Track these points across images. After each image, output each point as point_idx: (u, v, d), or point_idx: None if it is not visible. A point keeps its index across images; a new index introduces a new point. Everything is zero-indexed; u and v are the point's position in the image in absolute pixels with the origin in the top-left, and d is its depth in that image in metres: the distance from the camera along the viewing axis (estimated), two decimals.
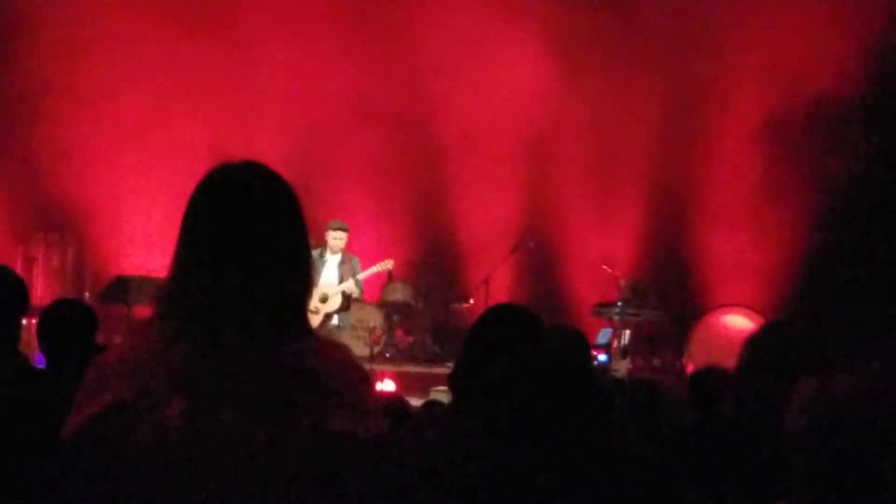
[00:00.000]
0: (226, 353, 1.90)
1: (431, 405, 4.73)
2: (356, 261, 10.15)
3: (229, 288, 1.92)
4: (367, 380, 2.00)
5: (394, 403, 4.95)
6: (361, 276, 10.06)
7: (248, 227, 1.96)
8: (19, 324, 3.64)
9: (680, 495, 3.05)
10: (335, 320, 10.01)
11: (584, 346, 3.90)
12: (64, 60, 11.61)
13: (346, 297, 10.01)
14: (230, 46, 11.87)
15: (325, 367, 1.93)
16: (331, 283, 9.94)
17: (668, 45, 11.64)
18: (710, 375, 4.27)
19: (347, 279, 9.94)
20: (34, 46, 11.60)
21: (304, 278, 2.04)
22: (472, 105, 11.89)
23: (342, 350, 2.02)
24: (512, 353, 3.02)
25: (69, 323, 3.90)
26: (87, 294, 11.30)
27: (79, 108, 11.67)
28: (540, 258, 12.16)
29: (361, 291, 10.24)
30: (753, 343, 2.97)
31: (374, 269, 10.27)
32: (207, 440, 1.83)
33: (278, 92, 11.96)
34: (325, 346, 1.99)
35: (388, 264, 10.36)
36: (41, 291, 11.26)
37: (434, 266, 12.75)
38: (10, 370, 3.44)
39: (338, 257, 10.03)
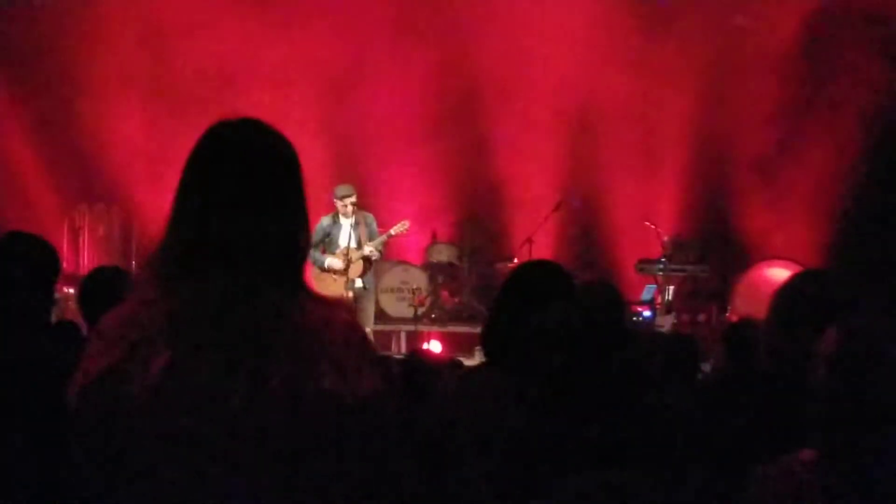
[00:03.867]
0: (211, 308, 1.86)
1: (456, 366, 4.72)
2: (370, 217, 10.04)
3: (216, 241, 1.89)
4: (360, 339, 1.93)
5: (445, 365, 4.97)
6: (380, 239, 9.92)
7: (239, 181, 1.91)
8: (52, 291, 3.53)
9: (715, 445, 3.07)
10: (359, 283, 9.91)
11: (617, 301, 3.89)
12: (110, 30, 11.60)
13: (368, 261, 9.91)
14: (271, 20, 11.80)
15: (312, 324, 1.87)
16: (350, 247, 9.84)
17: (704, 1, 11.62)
18: (743, 327, 4.27)
19: (365, 239, 9.84)
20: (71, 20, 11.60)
21: (299, 233, 1.97)
22: (514, 63, 11.82)
23: (335, 308, 1.95)
24: (545, 312, 3.00)
25: (108, 289, 3.88)
26: (133, 263, 11.23)
27: (122, 79, 11.64)
28: (583, 216, 12.15)
29: (382, 253, 10.14)
30: (784, 292, 2.95)
31: (391, 232, 10.05)
32: (185, 396, 1.80)
33: (317, 54, 11.79)
34: (316, 304, 1.93)
35: (403, 226, 10.09)
36: (87, 261, 11.27)
37: (478, 226, 12.70)
38: (40, 338, 3.29)
39: (351, 220, 9.87)
